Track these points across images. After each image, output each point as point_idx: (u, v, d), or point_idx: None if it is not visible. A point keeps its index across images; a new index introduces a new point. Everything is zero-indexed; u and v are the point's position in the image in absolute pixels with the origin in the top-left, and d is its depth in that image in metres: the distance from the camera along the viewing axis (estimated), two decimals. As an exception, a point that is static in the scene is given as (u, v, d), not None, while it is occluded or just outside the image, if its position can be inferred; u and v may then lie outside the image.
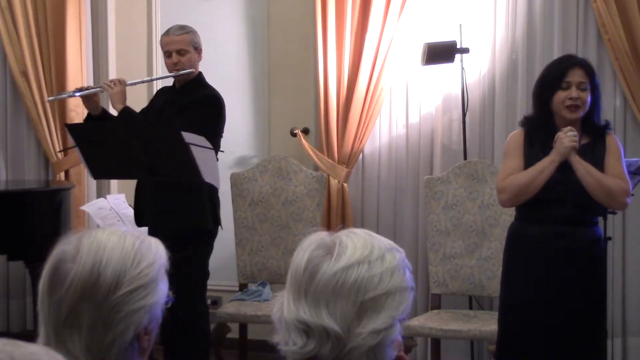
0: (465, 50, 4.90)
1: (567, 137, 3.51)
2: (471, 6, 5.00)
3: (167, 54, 4.38)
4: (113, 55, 5.69)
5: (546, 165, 3.54)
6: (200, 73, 4.45)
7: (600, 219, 3.69)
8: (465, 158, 4.91)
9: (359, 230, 1.59)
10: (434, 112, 5.11)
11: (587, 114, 3.61)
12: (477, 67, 5.00)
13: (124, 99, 4.32)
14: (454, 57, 4.89)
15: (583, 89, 3.56)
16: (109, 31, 5.69)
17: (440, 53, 4.87)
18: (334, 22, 5.10)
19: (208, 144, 3.92)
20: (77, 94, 4.38)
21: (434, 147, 5.11)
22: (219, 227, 4.34)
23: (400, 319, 1.54)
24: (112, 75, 5.69)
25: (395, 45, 5.05)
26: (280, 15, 5.40)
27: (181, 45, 4.35)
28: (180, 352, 4.27)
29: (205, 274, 4.34)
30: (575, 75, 3.57)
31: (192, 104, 4.25)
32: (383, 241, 1.58)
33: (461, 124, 4.96)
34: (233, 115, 5.46)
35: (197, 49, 4.42)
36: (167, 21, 5.51)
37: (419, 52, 4.94)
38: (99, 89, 4.37)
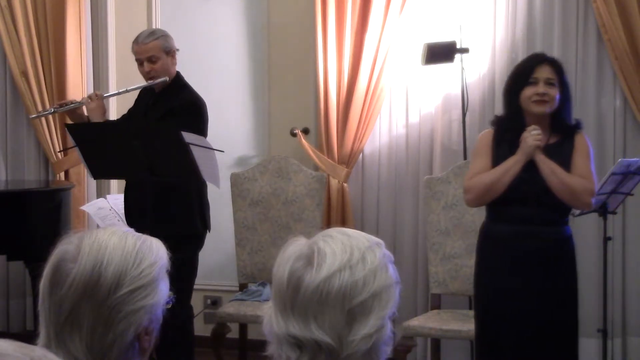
0: (465, 50, 4.90)
1: (531, 136, 3.51)
2: (471, 6, 5.00)
3: (139, 62, 4.30)
4: (113, 56, 5.69)
5: (511, 165, 3.55)
6: (177, 74, 4.36)
7: (570, 218, 3.67)
8: (465, 158, 4.91)
9: (335, 232, 1.56)
10: (434, 112, 5.11)
11: (556, 112, 3.60)
12: (477, 67, 5.00)
13: (103, 112, 4.31)
14: (454, 57, 4.89)
15: (551, 84, 3.57)
16: (109, 31, 5.69)
17: (440, 53, 4.87)
18: (334, 23, 5.10)
19: (208, 144, 3.91)
20: (60, 110, 4.40)
21: (434, 147, 5.11)
22: (207, 231, 4.35)
23: (390, 315, 1.52)
24: (112, 76, 5.69)
25: (395, 45, 5.05)
26: (280, 15, 5.40)
27: (151, 53, 4.25)
28: (165, 353, 4.30)
29: (191, 279, 4.32)
30: (543, 72, 3.58)
31: (171, 112, 4.19)
32: (361, 240, 1.55)
33: (461, 124, 4.96)
34: (233, 115, 5.47)
35: (170, 53, 4.30)
36: (167, 21, 5.52)
37: (419, 52, 4.94)
38: (79, 103, 4.35)
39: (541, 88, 3.56)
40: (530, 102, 3.57)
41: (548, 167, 3.52)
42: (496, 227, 3.65)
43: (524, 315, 3.54)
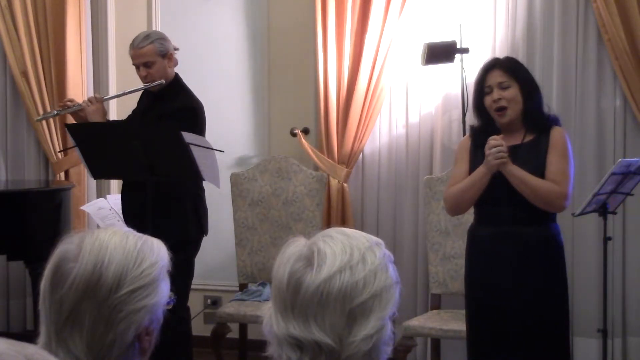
0: (465, 50, 4.90)
1: (492, 155, 3.47)
2: (471, 6, 5.00)
3: (136, 67, 4.29)
4: (113, 56, 5.69)
5: (478, 179, 3.54)
6: (176, 76, 4.34)
7: (557, 217, 3.65)
8: (465, 158, 4.91)
9: (334, 232, 1.56)
10: (434, 112, 5.11)
11: (526, 109, 3.57)
12: (477, 67, 4.97)
13: (103, 115, 4.30)
14: (454, 57, 4.89)
15: (505, 87, 3.55)
16: (109, 31, 5.69)
17: (440, 53, 4.87)
18: (334, 23, 5.10)
19: (208, 144, 3.91)
20: (63, 112, 4.38)
21: (434, 147, 5.11)
22: (204, 235, 4.35)
23: (390, 316, 1.52)
24: (112, 76, 5.70)
25: (395, 45, 5.05)
26: (280, 15, 5.41)
27: (147, 58, 4.24)
28: (164, 355, 4.28)
29: (187, 282, 4.30)
30: (494, 77, 3.58)
31: (166, 116, 4.17)
32: (361, 240, 1.55)
33: (461, 124, 4.96)
34: (233, 115, 5.48)
35: (166, 55, 4.27)
36: (167, 22, 5.52)
37: (419, 52, 4.94)
38: (80, 105, 4.30)
39: (495, 94, 3.55)
40: (493, 113, 3.58)
41: (517, 179, 3.48)
42: (480, 228, 3.66)
43: (511, 315, 3.53)
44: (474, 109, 3.71)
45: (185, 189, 4.24)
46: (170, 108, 4.21)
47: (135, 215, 4.16)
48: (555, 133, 3.57)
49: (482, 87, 3.61)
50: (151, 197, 3.96)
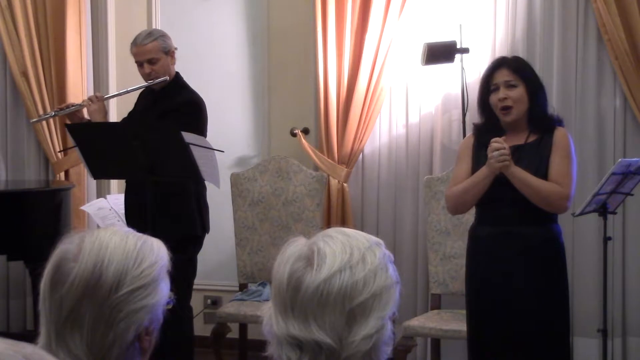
0: (465, 50, 4.90)
1: (494, 158, 3.46)
2: (471, 6, 5.00)
3: (139, 64, 4.30)
4: (113, 56, 5.70)
5: (480, 179, 3.53)
6: (177, 74, 4.37)
7: (558, 217, 3.64)
8: (465, 158, 4.90)
9: (334, 232, 1.56)
10: (434, 112, 5.11)
11: (531, 109, 3.56)
12: (477, 67, 5.00)
13: (104, 114, 4.31)
14: (454, 57, 4.89)
15: (511, 86, 3.55)
16: (109, 31, 5.69)
17: (440, 53, 4.87)
18: (334, 23, 5.10)
19: (208, 144, 3.91)
20: (60, 113, 4.37)
21: (434, 147, 5.11)
22: (206, 232, 4.36)
23: (390, 316, 1.53)
24: (112, 76, 5.70)
25: (395, 45, 5.05)
26: (280, 15, 5.41)
27: (151, 55, 4.26)
28: (162, 355, 4.27)
29: (190, 280, 4.31)
30: (501, 76, 3.57)
31: (170, 112, 4.18)
32: (361, 240, 1.55)
33: (461, 124, 4.96)
34: (233, 115, 5.48)
35: (169, 53, 4.31)
36: (167, 21, 5.52)
37: (419, 52, 4.94)
38: (80, 105, 4.32)
39: (501, 93, 3.55)
40: (498, 111, 3.58)
41: (519, 180, 3.48)
42: (480, 228, 3.66)
43: (512, 315, 3.53)
44: (478, 106, 3.70)
45: (188, 186, 4.25)
46: (175, 104, 4.23)
47: (138, 215, 4.16)
48: (559, 134, 3.57)
49: (488, 84, 3.60)
50: (151, 197, 3.96)
